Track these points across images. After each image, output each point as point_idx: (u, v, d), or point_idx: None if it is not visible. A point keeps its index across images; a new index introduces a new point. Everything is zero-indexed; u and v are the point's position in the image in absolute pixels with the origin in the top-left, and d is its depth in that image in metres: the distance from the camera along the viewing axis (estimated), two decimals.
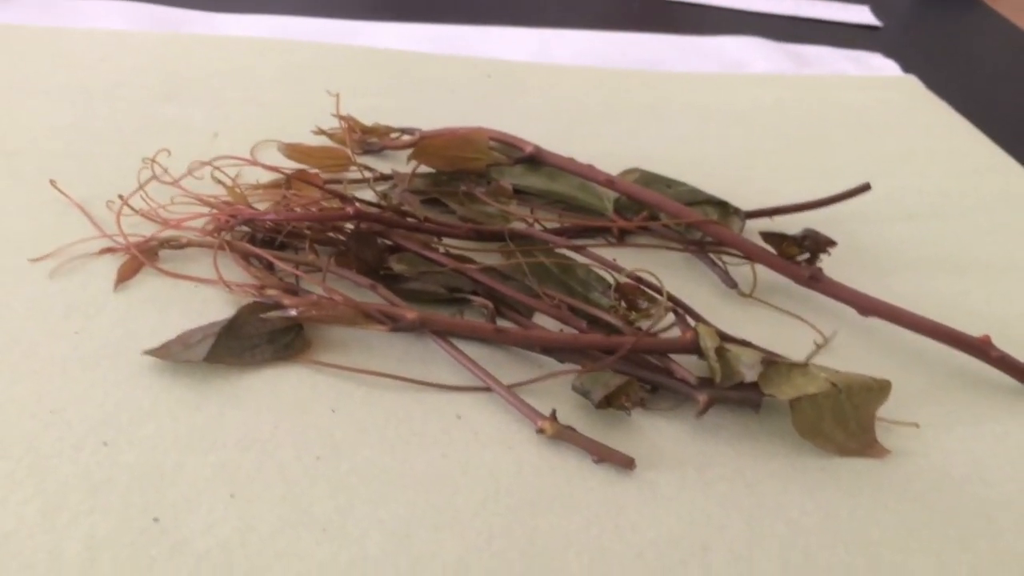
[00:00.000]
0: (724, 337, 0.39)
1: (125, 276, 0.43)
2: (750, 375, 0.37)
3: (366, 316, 0.39)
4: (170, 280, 0.43)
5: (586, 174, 0.48)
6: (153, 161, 0.48)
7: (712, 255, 0.48)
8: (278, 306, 0.40)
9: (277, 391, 0.38)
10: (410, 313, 0.39)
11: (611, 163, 0.51)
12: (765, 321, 0.44)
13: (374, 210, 0.45)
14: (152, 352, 0.38)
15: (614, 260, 0.44)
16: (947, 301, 0.47)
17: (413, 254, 0.44)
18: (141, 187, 0.46)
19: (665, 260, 0.48)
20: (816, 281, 0.44)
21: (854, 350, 0.43)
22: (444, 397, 0.38)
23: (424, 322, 0.39)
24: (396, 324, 0.39)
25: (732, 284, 0.47)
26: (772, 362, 0.37)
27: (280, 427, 0.36)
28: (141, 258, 0.44)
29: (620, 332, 0.40)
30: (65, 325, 0.40)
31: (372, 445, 0.36)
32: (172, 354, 0.39)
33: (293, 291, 0.42)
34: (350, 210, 0.42)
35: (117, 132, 0.54)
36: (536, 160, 0.50)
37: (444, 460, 0.36)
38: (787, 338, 0.43)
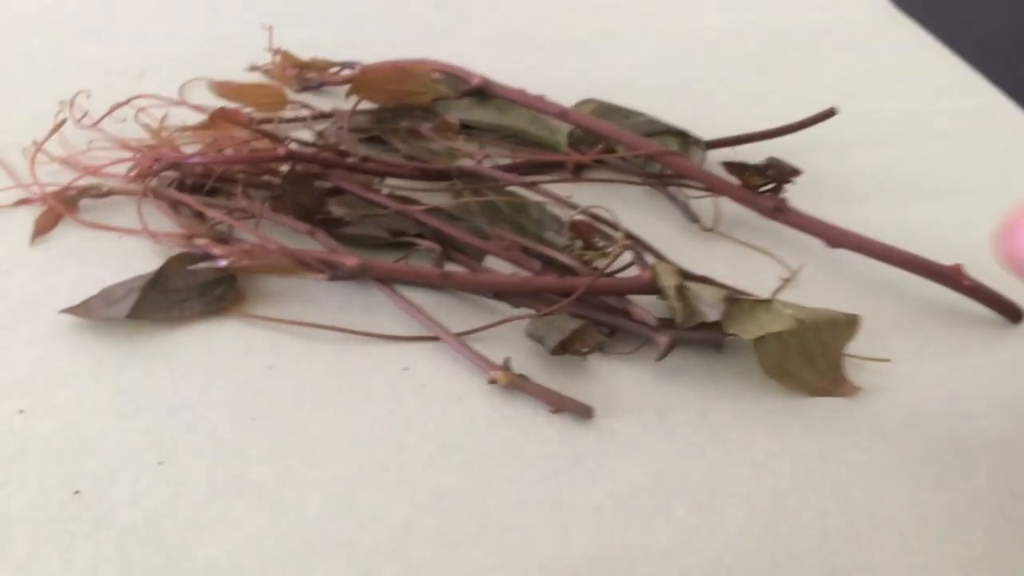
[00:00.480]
0: (684, 275, 0.37)
1: (43, 228, 0.40)
2: (712, 314, 0.35)
3: (303, 264, 0.37)
4: (91, 231, 0.40)
5: (538, 106, 0.46)
6: (71, 103, 0.44)
7: (672, 188, 0.45)
8: (208, 256, 0.37)
9: (208, 348, 0.35)
10: (350, 259, 0.36)
11: (566, 94, 0.48)
12: (728, 256, 0.42)
13: (310, 150, 0.42)
14: (71, 310, 0.36)
15: (569, 197, 0.41)
16: (917, 229, 0.45)
17: (353, 196, 0.41)
18: (56, 130, 0.43)
19: (623, 195, 0.45)
20: (781, 212, 0.42)
21: (822, 284, 0.41)
22: (389, 348, 0.36)
23: (366, 268, 0.37)
24: (335, 272, 0.37)
25: (694, 218, 0.44)
26: (735, 300, 0.35)
27: (212, 387, 0.34)
28: (60, 208, 0.40)
29: (576, 273, 0.38)
30: None
31: (312, 402, 0.34)
32: (93, 311, 0.36)
33: (224, 240, 0.39)
34: (282, 151, 0.39)
35: (33, 73, 0.50)
36: (484, 92, 0.47)
37: (390, 416, 0.33)
38: (751, 274, 0.41)
